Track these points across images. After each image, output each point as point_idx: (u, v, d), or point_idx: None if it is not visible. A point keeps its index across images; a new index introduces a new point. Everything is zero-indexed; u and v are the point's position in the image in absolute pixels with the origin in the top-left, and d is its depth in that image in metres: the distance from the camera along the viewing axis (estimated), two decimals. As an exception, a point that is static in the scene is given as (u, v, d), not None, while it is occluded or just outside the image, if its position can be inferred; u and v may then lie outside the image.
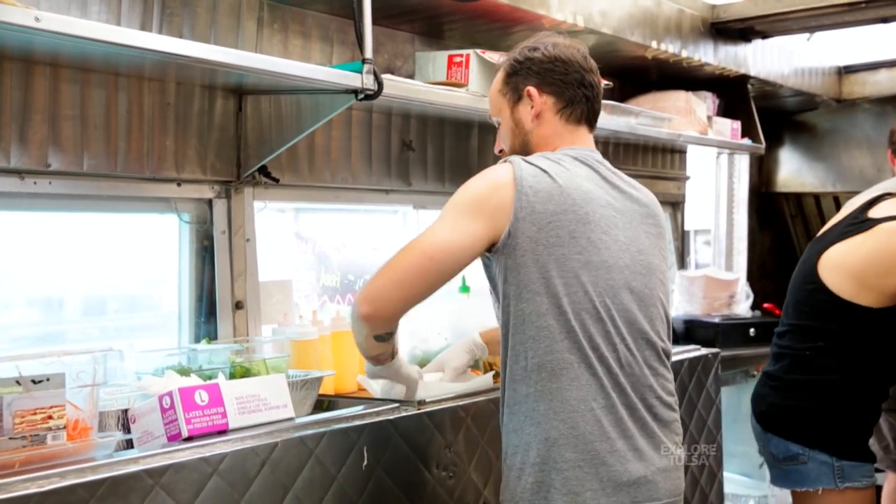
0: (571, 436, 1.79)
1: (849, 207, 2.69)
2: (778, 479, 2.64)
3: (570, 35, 3.12)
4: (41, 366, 1.71)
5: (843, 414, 2.53)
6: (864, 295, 2.48)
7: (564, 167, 1.87)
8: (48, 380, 1.70)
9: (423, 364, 2.71)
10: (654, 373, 1.89)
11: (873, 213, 2.56)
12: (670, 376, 1.95)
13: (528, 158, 1.88)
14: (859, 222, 2.56)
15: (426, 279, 1.81)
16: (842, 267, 2.52)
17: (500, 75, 2.02)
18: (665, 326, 1.95)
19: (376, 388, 2.30)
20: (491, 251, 1.84)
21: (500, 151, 2.06)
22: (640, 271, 1.90)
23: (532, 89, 1.96)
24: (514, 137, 2.01)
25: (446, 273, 1.83)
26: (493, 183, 1.84)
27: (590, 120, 2.01)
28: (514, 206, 1.79)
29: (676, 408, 1.95)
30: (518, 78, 1.98)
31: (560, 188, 1.82)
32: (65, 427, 1.72)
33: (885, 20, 3.74)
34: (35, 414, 1.69)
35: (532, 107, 1.97)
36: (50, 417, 1.70)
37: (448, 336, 2.70)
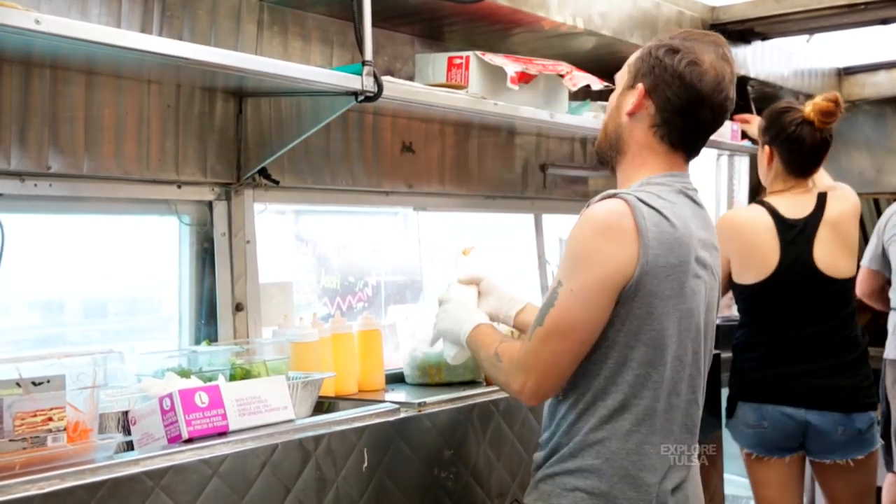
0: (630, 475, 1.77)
1: None
2: (867, 445, 2.95)
3: (569, 37, 3.16)
4: (41, 368, 1.72)
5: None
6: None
7: (676, 207, 1.77)
8: (48, 382, 1.70)
9: (424, 366, 2.72)
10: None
11: None
12: None
13: (644, 198, 1.73)
14: None
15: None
16: None
17: (639, 52, 1.87)
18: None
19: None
20: None
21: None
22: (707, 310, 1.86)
23: (642, 88, 1.83)
24: (610, 118, 1.90)
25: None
26: (614, 234, 1.71)
27: (687, 149, 1.87)
28: (639, 260, 1.69)
29: None
30: (643, 66, 1.83)
31: (678, 237, 1.73)
32: (65, 429, 1.72)
33: (884, 22, 3.74)
34: (35, 416, 1.69)
35: (634, 102, 1.84)
36: (50, 419, 1.70)
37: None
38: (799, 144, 2.91)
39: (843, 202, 3.00)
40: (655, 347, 1.73)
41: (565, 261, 1.76)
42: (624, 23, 3.27)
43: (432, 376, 2.69)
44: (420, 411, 2.25)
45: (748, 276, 2.92)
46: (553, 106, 3.02)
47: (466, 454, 2.35)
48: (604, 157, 1.92)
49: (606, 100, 3.35)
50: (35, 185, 2.18)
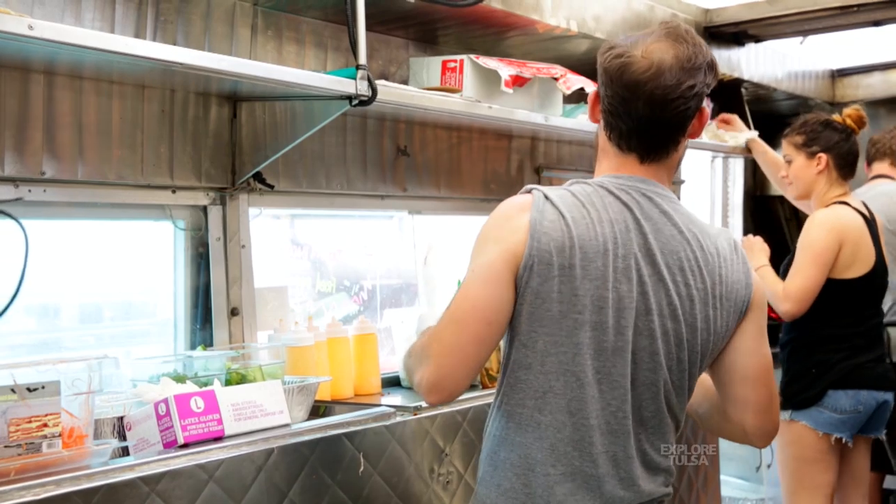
0: None
1: None
2: None
3: (563, 40, 3.16)
4: (36, 374, 1.71)
5: None
6: None
7: (593, 210, 1.65)
8: (43, 388, 1.70)
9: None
10: None
11: None
12: None
13: (551, 195, 1.66)
14: None
15: None
16: None
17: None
18: None
19: None
20: None
21: None
22: None
23: (594, 91, 1.73)
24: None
25: None
26: (509, 222, 1.67)
27: (638, 149, 1.69)
28: (524, 253, 1.64)
29: None
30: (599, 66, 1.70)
31: (575, 239, 1.64)
32: (60, 435, 1.72)
33: (877, 23, 3.75)
34: (30, 422, 1.68)
35: (589, 105, 1.75)
36: (45, 425, 1.70)
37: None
38: (851, 150, 3.20)
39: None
40: (529, 349, 1.62)
41: (472, 247, 1.67)
42: (618, 26, 3.28)
43: (428, 380, 2.69)
44: (416, 415, 2.25)
45: (852, 271, 3.10)
46: (547, 109, 3.02)
47: (462, 458, 2.35)
48: None
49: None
50: (29, 190, 2.18)
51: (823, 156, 3.17)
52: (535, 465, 1.62)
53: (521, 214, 1.62)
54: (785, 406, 3.13)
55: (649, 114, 1.63)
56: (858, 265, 3.11)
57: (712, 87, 1.69)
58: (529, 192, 1.67)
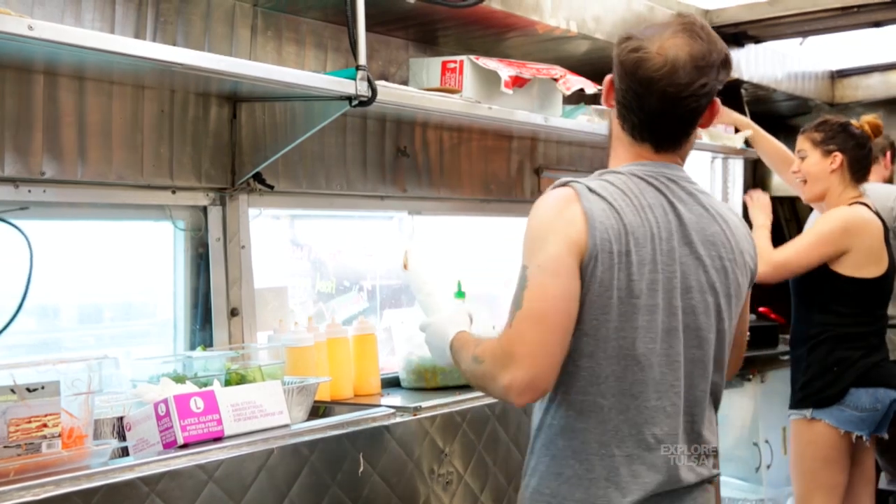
0: None
1: None
2: None
3: (563, 41, 3.16)
4: (36, 374, 1.72)
5: None
6: None
7: (634, 197, 1.69)
8: (43, 388, 1.70)
9: (419, 370, 2.72)
10: None
11: None
12: None
13: (593, 186, 1.67)
14: None
15: None
16: None
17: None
18: None
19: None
20: None
21: None
22: None
23: (608, 79, 1.77)
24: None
25: None
26: (565, 215, 1.67)
27: (651, 140, 1.74)
28: (587, 243, 1.65)
29: None
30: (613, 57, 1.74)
31: (627, 226, 1.67)
32: (60, 435, 1.72)
33: (877, 24, 3.75)
34: (30, 422, 1.68)
35: (604, 92, 1.79)
36: (45, 426, 1.70)
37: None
38: (866, 155, 3.25)
39: None
40: (590, 337, 1.63)
41: (525, 246, 1.65)
42: (617, 26, 3.28)
43: (428, 380, 2.70)
44: (415, 415, 2.25)
45: (868, 271, 3.14)
46: (547, 110, 3.02)
47: (462, 458, 2.35)
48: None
49: (600, 103, 3.36)
50: (29, 191, 2.18)
51: (839, 155, 3.20)
52: (599, 448, 1.65)
53: (571, 206, 1.63)
54: (805, 405, 3.15)
55: (661, 109, 1.68)
56: (874, 266, 3.14)
57: (725, 81, 1.74)
58: (565, 184, 1.68)
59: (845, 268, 3.13)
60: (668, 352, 1.66)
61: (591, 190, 1.65)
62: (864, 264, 3.14)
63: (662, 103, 1.67)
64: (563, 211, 1.63)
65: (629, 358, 1.64)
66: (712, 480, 1.76)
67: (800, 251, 3.14)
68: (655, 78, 1.65)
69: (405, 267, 2.19)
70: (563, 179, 1.70)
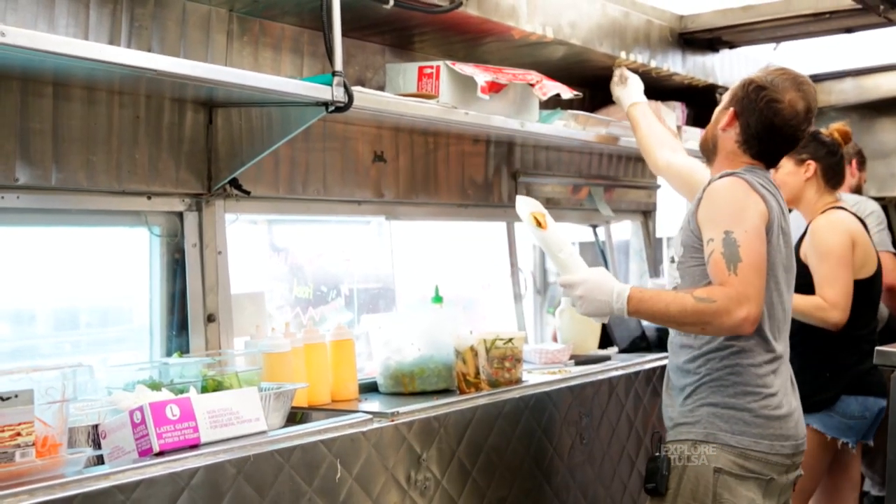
0: None
1: None
2: None
3: (539, 46, 3.17)
4: (9, 382, 1.70)
5: None
6: None
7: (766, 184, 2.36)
8: (16, 396, 1.69)
9: (397, 375, 2.72)
10: None
11: None
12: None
13: (747, 178, 2.29)
14: None
15: None
16: None
17: (741, 80, 2.46)
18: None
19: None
20: None
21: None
22: None
23: (732, 111, 2.40)
24: (711, 126, 2.47)
25: None
26: (752, 194, 2.28)
27: (764, 161, 2.41)
28: (769, 215, 2.29)
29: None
30: (738, 93, 2.42)
31: (772, 205, 2.33)
32: (33, 444, 1.71)
33: (849, 30, 3.79)
34: (3, 431, 1.67)
35: (725, 121, 2.41)
36: (18, 434, 1.69)
37: (422, 346, 2.70)
38: (838, 162, 3.34)
39: None
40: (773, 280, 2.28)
41: (720, 217, 2.21)
42: (593, 32, 3.30)
43: (406, 385, 2.70)
44: (393, 421, 2.25)
45: (864, 270, 3.21)
46: (523, 115, 3.04)
47: (439, 464, 2.35)
48: (703, 154, 2.51)
49: (576, 108, 3.38)
50: (2, 197, 2.16)
51: (812, 163, 3.26)
52: (770, 385, 2.31)
53: (750, 190, 2.26)
54: None
55: (784, 145, 2.41)
56: (867, 266, 3.21)
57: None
58: (731, 175, 2.29)
59: (854, 269, 3.17)
60: (788, 306, 2.37)
61: (751, 181, 2.26)
62: (862, 264, 3.19)
63: (785, 140, 2.38)
64: (749, 192, 2.25)
65: (776, 294, 2.30)
66: None
67: (841, 280, 3.10)
68: (788, 125, 2.35)
69: (542, 227, 2.47)
70: (726, 171, 2.32)
